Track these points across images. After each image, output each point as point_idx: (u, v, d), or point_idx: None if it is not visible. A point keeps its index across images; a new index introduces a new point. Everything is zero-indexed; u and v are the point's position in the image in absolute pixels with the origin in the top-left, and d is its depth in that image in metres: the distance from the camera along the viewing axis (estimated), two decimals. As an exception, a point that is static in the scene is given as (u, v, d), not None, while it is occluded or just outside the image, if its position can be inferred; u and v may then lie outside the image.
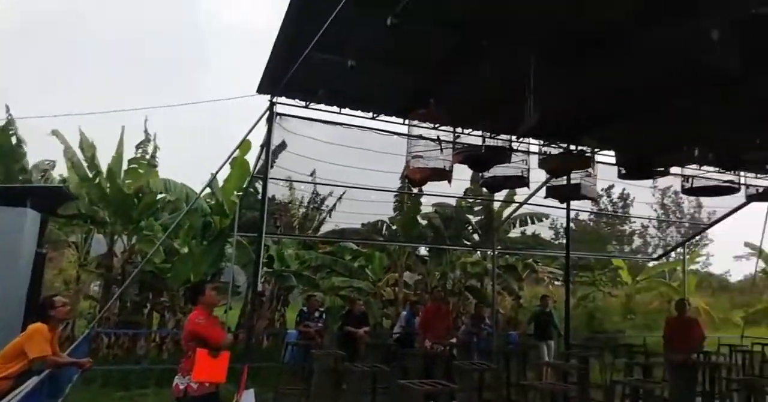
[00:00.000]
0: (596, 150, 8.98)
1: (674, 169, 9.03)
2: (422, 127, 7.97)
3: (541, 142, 8.54)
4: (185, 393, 4.64)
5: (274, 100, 7.71)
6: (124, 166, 13.01)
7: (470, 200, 15.53)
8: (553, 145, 8.47)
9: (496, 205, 15.16)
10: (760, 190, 10.31)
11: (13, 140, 13.03)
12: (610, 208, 23.64)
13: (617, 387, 7.65)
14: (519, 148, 8.22)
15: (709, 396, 8.72)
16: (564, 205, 10.99)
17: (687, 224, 19.86)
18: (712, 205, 13.54)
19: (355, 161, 9.25)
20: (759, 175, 10.42)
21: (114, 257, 13.05)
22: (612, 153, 9.04)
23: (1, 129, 12.83)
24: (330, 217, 15.48)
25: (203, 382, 4.61)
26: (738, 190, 9.26)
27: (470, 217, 16.14)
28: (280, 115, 7.91)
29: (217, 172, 9.43)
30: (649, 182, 11.33)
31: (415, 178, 7.63)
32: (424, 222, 15.67)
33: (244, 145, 11.27)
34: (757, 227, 13.04)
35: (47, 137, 12.48)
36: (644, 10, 4.88)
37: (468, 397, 8.15)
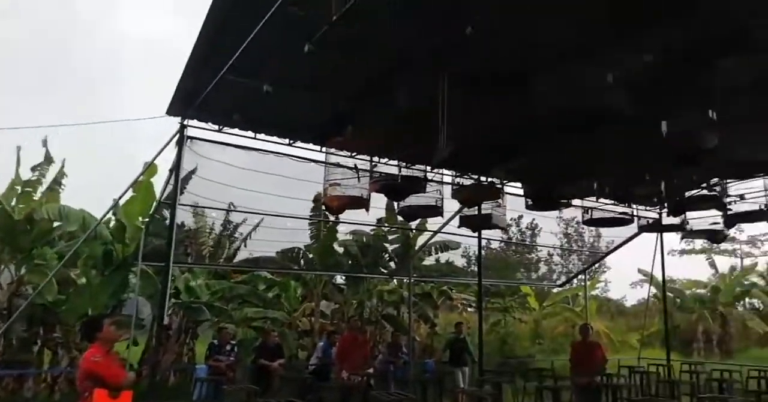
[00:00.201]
0: (505, 181, 9.38)
1: (577, 201, 9.62)
2: (339, 154, 7.97)
3: (454, 173, 8.79)
4: (83, 438, 4.21)
5: (185, 122, 7.42)
6: (20, 190, 11.95)
7: (386, 228, 15.65)
8: (465, 176, 8.76)
9: (412, 233, 15.38)
10: (650, 221, 11.22)
11: None
12: (519, 237, 24.73)
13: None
14: (433, 179, 8.41)
15: (612, 417, 9.13)
16: (476, 234, 11.33)
17: (587, 253, 21.12)
18: (610, 234, 14.51)
19: (270, 188, 9.05)
20: (648, 208, 11.36)
21: (-1, 289, 11.81)
22: (519, 185, 9.50)
23: None
24: (245, 245, 14.98)
25: (102, 425, 4.21)
26: (631, 221, 10.04)
27: (387, 245, 16.24)
28: (192, 138, 7.62)
29: (120, 198, 8.87)
30: (555, 213, 12.00)
31: (332, 205, 7.58)
32: (341, 250, 15.55)
33: (151, 169, 10.72)
34: (649, 255, 14.10)
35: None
36: (547, 51, 5.21)
37: (385, 429, 8.00)
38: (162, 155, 7.94)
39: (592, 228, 16.22)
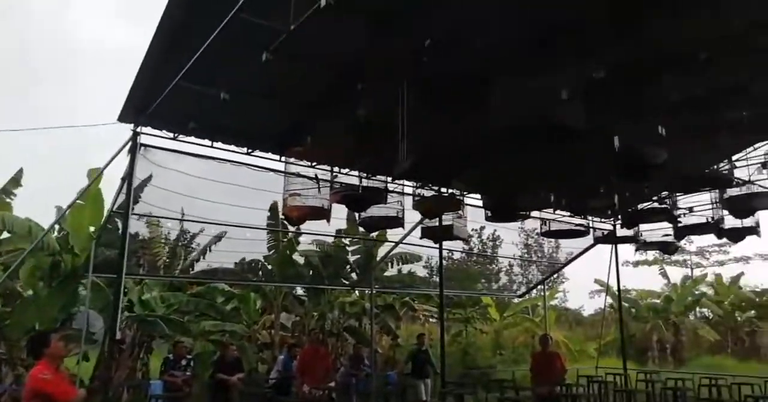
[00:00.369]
0: (465, 193, 9.46)
1: (535, 213, 9.78)
2: (300, 164, 7.90)
3: (415, 184, 8.82)
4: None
5: (139, 129, 7.20)
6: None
7: (348, 239, 15.56)
8: (426, 188, 8.79)
9: (373, 243, 15.34)
10: (605, 233, 11.50)
11: None
12: (480, 247, 25.00)
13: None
14: (395, 190, 8.41)
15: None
16: (437, 245, 11.37)
17: (546, 263, 21.51)
18: (568, 245, 14.81)
19: (228, 197, 8.87)
20: (603, 220, 11.66)
21: (-66, 304, 11.17)
22: (479, 196, 9.59)
23: None
24: (203, 256, 14.61)
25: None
26: (587, 233, 10.27)
27: (348, 256, 16.13)
28: (145, 146, 7.39)
29: (69, 207, 8.52)
30: (516, 224, 12.17)
31: (292, 216, 7.48)
32: (301, 261, 15.36)
33: (101, 177, 10.35)
34: (605, 266, 14.42)
35: None
36: (503, 64, 5.30)
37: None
38: (117, 163, 7.69)
39: (552, 239, 16.54)
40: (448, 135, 6.29)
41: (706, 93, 6.41)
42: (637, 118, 5.96)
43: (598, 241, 11.68)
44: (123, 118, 6.92)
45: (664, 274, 27.18)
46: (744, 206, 8.23)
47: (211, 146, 7.79)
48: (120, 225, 9.10)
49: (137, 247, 13.01)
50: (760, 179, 8.25)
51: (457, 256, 21.67)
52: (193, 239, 15.18)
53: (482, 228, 20.77)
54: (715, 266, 27.76)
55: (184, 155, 7.75)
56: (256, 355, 15.10)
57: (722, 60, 6.09)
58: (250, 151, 8.09)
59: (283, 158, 8.06)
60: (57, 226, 10.78)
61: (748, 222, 8.91)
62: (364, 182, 8.10)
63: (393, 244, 13.75)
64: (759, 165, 8.23)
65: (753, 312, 24.86)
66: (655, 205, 9.94)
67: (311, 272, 15.35)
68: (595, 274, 26.59)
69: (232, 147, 7.95)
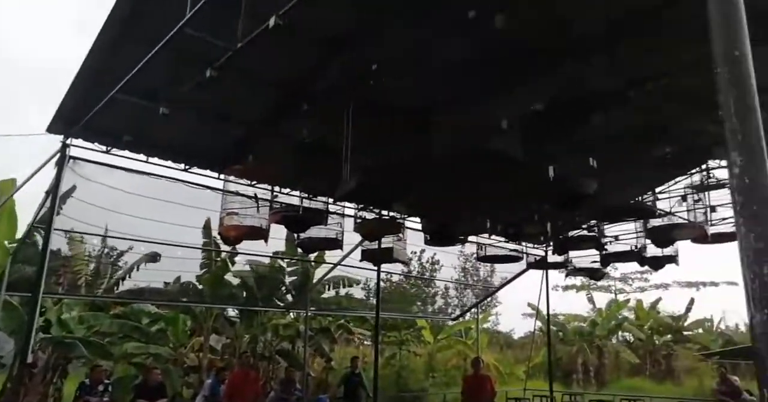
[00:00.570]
0: (405, 216, 9.57)
1: (473, 238, 10.02)
2: (239, 183, 7.73)
3: (356, 205, 8.83)
4: None
5: (68, 141, 6.84)
6: None
7: (285, 260, 15.29)
8: (367, 210, 8.82)
9: (311, 265, 15.15)
10: (538, 258, 11.93)
11: None
12: (420, 270, 25.22)
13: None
14: (335, 211, 8.39)
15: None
16: (376, 267, 11.38)
17: (481, 287, 21.97)
18: (503, 270, 15.21)
19: (162, 214, 8.54)
20: (536, 246, 12.11)
21: None
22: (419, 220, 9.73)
23: None
24: (130, 276, 13.89)
25: None
26: (521, 258, 10.61)
27: (284, 277, 15.84)
28: (74, 158, 7.02)
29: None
30: (456, 248, 12.38)
31: (229, 235, 7.28)
32: (235, 281, 14.92)
33: (13, 189, 9.70)
34: (536, 290, 14.89)
35: None
36: (445, 93, 5.47)
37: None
38: (43, 175, 7.24)
39: (487, 264, 16.89)
40: (391, 159, 6.37)
41: (633, 129, 6.86)
42: (570, 150, 6.28)
43: (530, 266, 12.10)
44: (53, 128, 6.55)
45: (591, 299, 28.39)
46: (665, 236, 8.77)
47: (146, 161, 7.50)
48: (40, 240, 8.53)
49: (58, 264, 12.23)
50: (680, 211, 8.83)
51: (395, 278, 21.74)
52: (120, 257, 14.44)
53: (422, 251, 21.00)
54: (637, 292, 29.28)
55: (115, 169, 7.42)
56: (181, 379, 14.43)
57: (649, 98, 6.56)
58: (187, 167, 7.86)
59: (221, 176, 7.87)
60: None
61: (668, 251, 9.50)
62: (305, 203, 8.03)
63: (331, 265, 13.64)
64: (679, 198, 8.83)
65: (670, 336, 26.30)
66: (584, 233, 10.43)
67: (245, 293, 14.93)
68: (526, 298, 27.42)
69: (169, 163, 7.69)
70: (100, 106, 5.79)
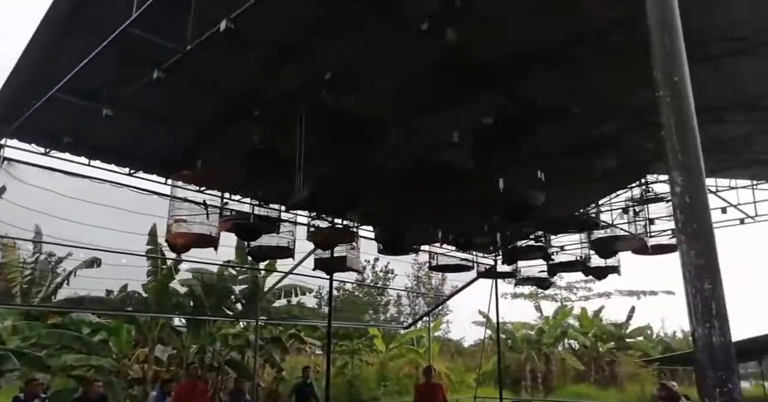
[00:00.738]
0: (359, 225, 9.53)
1: (426, 247, 10.07)
2: (187, 188, 7.52)
3: (309, 213, 8.73)
4: None
5: (3, 142, 6.47)
6: None
7: (236, 268, 14.95)
8: (320, 219, 8.74)
9: (262, 273, 14.86)
10: (487, 267, 12.12)
11: None
12: (373, 279, 25.16)
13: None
14: (287, 219, 8.26)
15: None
16: (328, 276, 11.27)
17: (433, 296, 22.11)
18: (453, 279, 15.35)
19: (105, 220, 8.18)
20: (486, 256, 12.30)
21: None
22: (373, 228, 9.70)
23: None
24: (68, 283, 13.24)
25: None
26: (472, 268, 10.74)
27: (234, 285, 15.47)
28: (9, 160, 6.64)
29: None
30: (411, 256, 12.40)
31: (177, 243, 7.05)
32: (182, 290, 14.47)
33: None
34: (486, 298, 15.08)
35: None
36: (398, 105, 5.48)
37: None
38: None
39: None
40: (344, 168, 6.33)
41: (578, 144, 7.08)
42: (517, 163, 6.43)
43: (480, 275, 12.26)
44: (-16, 128, 6.18)
45: (538, 307, 29.04)
46: (608, 248, 9.08)
47: (88, 164, 7.17)
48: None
49: (-11, 271, 11.56)
50: (621, 223, 9.17)
51: (348, 286, 21.62)
52: (59, 264, 13.75)
53: (377, 259, 20.98)
54: (582, 300, 30.13)
55: (54, 172, 7.05)
56: (125, 392, 13.87)
57: (592, 115, 6.80)
58: (132, 171, 7.56)
59: (169, 181, 7.61)
60: None
61: (611, 262, 9.82)
62: (257, 211, 7.87)
63: (283, 274, 13.42)
64: (621, 210, 9.17)
65: (613, 343, 27.19)
66: (532, 243, 10.67)
67: (193, 302, 14.49)
68: (476, 306, 27.79)
69: (112, 166, 7.38)
70: (38, 105, 5.49)
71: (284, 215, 8.27)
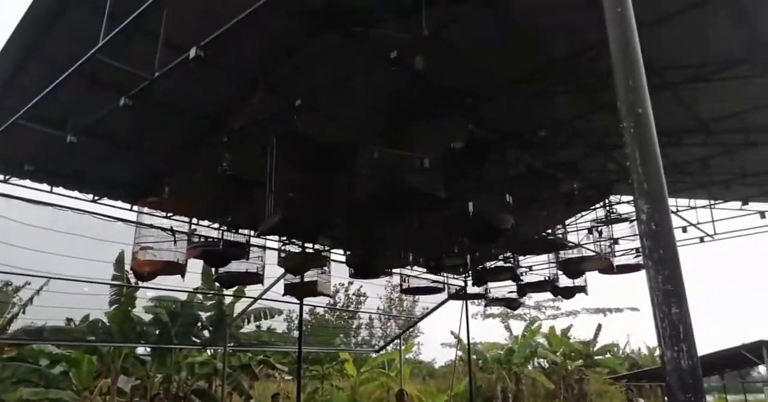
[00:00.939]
0: (330, 249, 9.47)
1: (398, 270, 10.05)
2: (154, 215, 7.37)
3: (279, 238, 8.64)
4: None
5: (-40, 169, 6.26)
6: None
7: (202, 295, 14.61)
8: (291, 243, 8.65)
9: (229, 299, 14.56)
10: (458, 289, 12.19)
11: None
12: (346, 302, 24.91)
13: None
14: (256, 244, 8.15)
15: None
16: (298, 301, 11.12)
17: (404, 318, 22.02)
18: (425, 300, 15.34)
19: (65, 247, 7.94)
20: (456, 277, 12.38)
21: None
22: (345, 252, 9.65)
23: None
24: (24, 313, 12.69)
25: None
26: (443, 289, 10.77)
27: (200, 312, 15.10)
28: (-35, 188, 6.42)
29: None
30: (385, 279, 12.36)
31: (143, 271, 6.86)
32: (147, 317, 14.04)
33: None
34: (457, 318, 15.09)
35: None
36: (368, 131, 5.54)
37: None
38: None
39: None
40: (314, 193, 6.33)
41: (544, 167, 7.26)
42: (485, 187, 6.55)
43: (451, 297, 12.29)
44: (-60, 154, 5.97)
45: (507, 327, 29.17)
46: (575, 268, 9.24)
47: (50, 192, 6.97)
48: None
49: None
50: (587, 243, 9.37)
51: (318, 310, 21.38)
52: (16, 293, 13.20)
53: (351, 283, 20.85)
54: (550, 319, 30.43)
55: (13, 200, 6.82)
56: (85, 427, 13.25)
57: (557, 139, 7.00)
58: (96, 198, 7.38)
59: (135, 208, 7.45)
60: None
61: (578, 281, 9.99)
62: (225, 236, 7.75)
63: (251, 299, 13.19)
64: (586, 231, 9.38)
65: (581, 361, 27.47)
66: (501, 264, 10.78)
67: (158, 330, 14.06)
68: (447, 327, 27.76)
69: (75, 193, 7.19)
70: (-1, 132, 5.34)
71: (254, 240, 8.17)
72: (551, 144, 7.12)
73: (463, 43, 5.23)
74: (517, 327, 29.33)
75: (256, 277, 7.96)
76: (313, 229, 7.82)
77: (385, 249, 8.57)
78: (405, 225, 7.35)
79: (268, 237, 8.47)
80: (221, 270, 7.82)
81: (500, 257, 10.89)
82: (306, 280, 8.70)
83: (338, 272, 9.63)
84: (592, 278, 10.10)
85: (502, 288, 11.51)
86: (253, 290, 12.06)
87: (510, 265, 10.60)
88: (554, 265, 10.04)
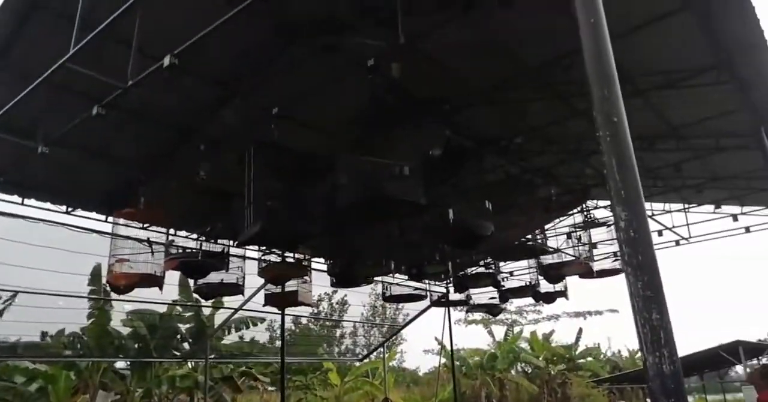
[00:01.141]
0: (311, 258, 9.39)
1: (380, 277, 10.01)
2: (131, 226, 7.23)
3: (259, 248, 8.54)
4: None
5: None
6: None
7: (180, 306, 14.37)
8: (270, 253, 8.56)
9: (209, 310, 14.35)
10: (440, 296, 12.19)
11: None
12: (329, 312, 24.72)
13: None
14: (236, 254, 8.04)
15: None
16: (279, 311, 11.00)
17: (387, 326, 21.95)
18: (408, 307, 15.31)
19: (38, 261, 7.75)
20: (438, 283, 12.38)
21: None
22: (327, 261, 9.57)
23: None
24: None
25: None
26: (425, 296, 10.77)
27: (180, 324, 14.85)
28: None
29: None
30: (369, 287, 12.30)
31: (119, 284, 6.71)
32: (126, 331, 13.76)
33: None
34: (440, 325, 15.07)
35: None
36: (347, 139, 5.52)
37: None
38: None
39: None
40: (293, 201, 6.27)
41: (521, 173, 7.32)
42: (466, 194, 6.56)
43: (433, 304, 12.28)
44: None
45: (490, 333, 29.24)
46: (555, 273, 9.32)
47: (21, 203, 6.79)
48: None
49: None
50: (566, 248, 9.44)
51: (302, 319, 21.19)
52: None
53: (335, 292, 20.71)
54: (531, 324, 30.58)
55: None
56: (61, 445, 12.88)
57: (533, 145, 7.06)
58: (70, 210, 7.21)
59: (110, 219, 7.30)
60: None
61: (558, 286, 10.07)
62: (204, 246, 7.63)
63: (232, 310, 13.01)
64: (565, 236, 9.46)
65: (563, 365, 27.62)
66: (482, 270, 10.81)
67: (137, 344, 13.78)
68: (430, 334, 27.73)
69: (48, 204, 7.02)
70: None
71: (233, 250, 8.06)
72: (528, 150, 7.17)
73: (439, 51, 5.24)
74: (501, 332, 29.46)
75: (237, 288, 7.86)
76: (293, 239, 7.76)
77: (366, 257, 8.53)
78: (385, 233, 7.34)
79: (248, 247, 8.38)
80: (201, 281, 7.70)
81: (481, 263, 10.93)
82: (287, 290, 8.61)
83: (321, 281, 9.56)
84: (572, 282, 10.20)
85: (484, 294, 11.54)
86: (233, 301, 11.91)
87: (491, 271, 10.64)
88: (535, 270, 10.10)
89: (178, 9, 4.45)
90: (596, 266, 9.14)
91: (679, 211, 10.20)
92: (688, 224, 10.26)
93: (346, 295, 21.30)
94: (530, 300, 11.35)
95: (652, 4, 4.82)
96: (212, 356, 13.46)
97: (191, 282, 8.68)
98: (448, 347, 16.16)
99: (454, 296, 11.94)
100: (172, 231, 7.73)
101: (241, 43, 4.98)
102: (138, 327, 13.75)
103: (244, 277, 7.77)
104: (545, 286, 10.16)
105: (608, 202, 8.05)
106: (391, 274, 9.95)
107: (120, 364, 15.23)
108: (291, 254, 8.87)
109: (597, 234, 9.52)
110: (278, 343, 17.01)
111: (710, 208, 9.85)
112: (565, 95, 5.98)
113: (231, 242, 7.92)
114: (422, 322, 15.53)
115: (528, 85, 5.82)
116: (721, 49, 4.85)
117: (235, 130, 5.56)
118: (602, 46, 2.02)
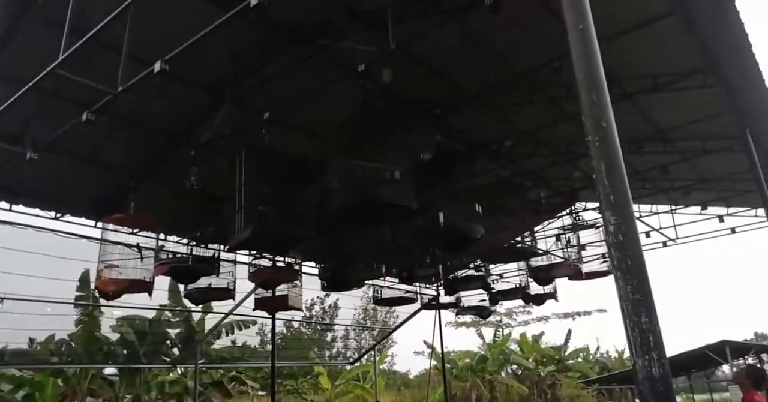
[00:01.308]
0: (301, 262, 9.37)
1: (370, 281, 10.00)
2: (120, 231, 7.19)
3: (249, 252, 8.50)
4: None
5: None
6: None
7: (171, 311, 14.26)
8: (261, 257, 8.52)
9: (198, 315, 14.25)
10: (430, 298, 12.22)
11: None
12: (321, 315, 24.64)
13: None
14: (227, 259, 8.01)
15: None
16: (270, 315, 10.95)
17: (378, 329, 21.94)
18: (398, 310, 15.29)
19: (26, 267, 7.67)
20: (428, 286, 12.41)
21: None
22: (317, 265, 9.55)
23: None
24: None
25: None
26: (416, 299, 10.79)
27: (169, 329, 14.74)
28: None
29: None
30: (361, 290, 12.27)
31: (108, 290, 6.65)
32: (114, 337, 13.63)
33: None
34: (430, 327, 15.08)
35: None
36: (338, 144, 5.53)
37: None
38: None
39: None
40: (284, 206, 6.27)
41: (511, 176, 7.37)
42: (456, 197, 6.60)
43: (424, 307, 12.30)
44: None
45: (480, 335, 29.30)
46: (545, 275, 9.37)
47: (9, 209, 6.73)
48: None
49: None
50: (556, 250, 9.51)
51: (295, 323, 21.12)
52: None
53: (327, 295, 20.66)
54: (521, 325, 30.69)
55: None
56: (48, 454, 12.71)
57: (523, 148, 7.12)
58: (59, 215, 7.16)
59: (99, 225, 7.25)
60: None
61: (548, 288, 10.13)
62: (194, 251, 7.59)
63: (222, 315, 12.93)
64: (554, 238, 9.53)
65: (553, 366, 27.75)
66: (472, 272, 10.85)
67: (126, 350, 13.66)
68: (420, 336, 27.74)
69: (36, 210, 6.96)
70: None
71: (223, 255, 8.02)
72: (518, 153, 7.23)
73: (430, 55, 5.28)
74: (491, 334, 29.54)
75: (227, 293, 7.83)
76: (283, 243, 7.74)
77: (358, 261, 8.53)
78: (377, 236, 7.35)
79: (238, 251, 8.35)
80: (191, 286, 7.66)
81: (471, 266, 10.97)
82: (277, 294, 8.58)
83: (313, 285, 9.54)
84: (561, 283, 10.27)
85: (474, 296, 11.58)
86: (223, 305, 11.84)
87: (481, 273, 10.68)
88: (524, 272, 10.16)
89: (168, 15, 4.45)
90: (585, 268, 9.21)
91: (666, 212, 10.33)
92: (675, 225, 10.39)
93: (338, 299, 21.28)
94: (520, 302, 11.40)
95: (639, 8, 4.89)
96: (202, 361, 13.38)
97: (181, 287, 8.61)
98: (439, 350, 16.19)
99: (444, 299, 11.98)
100: (162, 236, 7.69)
101: (231, 48, 4.98)
102: (126, 333, 13.62)
103: (235, 282, 7.73)
104: (535, 288, 10.21)
105: (597, 204, 8.13)
106: (382, 277, 9.96)
107: (109, 371, 15.08)
108: (281, 258, 8.84)
109: (585, 236, 9.61)
110: (269, 346, 16.94)
111: (697, 209, 9.99)
112: (555, 98, 6.04)
113: (221, 247, 7.89)
114: (413, 324, 15.51)
115: (518, 89, 5.87)
116: (707, 53, 4.92)
117: (226, 135, 5.55)
118: (591, 52, 2.04)
